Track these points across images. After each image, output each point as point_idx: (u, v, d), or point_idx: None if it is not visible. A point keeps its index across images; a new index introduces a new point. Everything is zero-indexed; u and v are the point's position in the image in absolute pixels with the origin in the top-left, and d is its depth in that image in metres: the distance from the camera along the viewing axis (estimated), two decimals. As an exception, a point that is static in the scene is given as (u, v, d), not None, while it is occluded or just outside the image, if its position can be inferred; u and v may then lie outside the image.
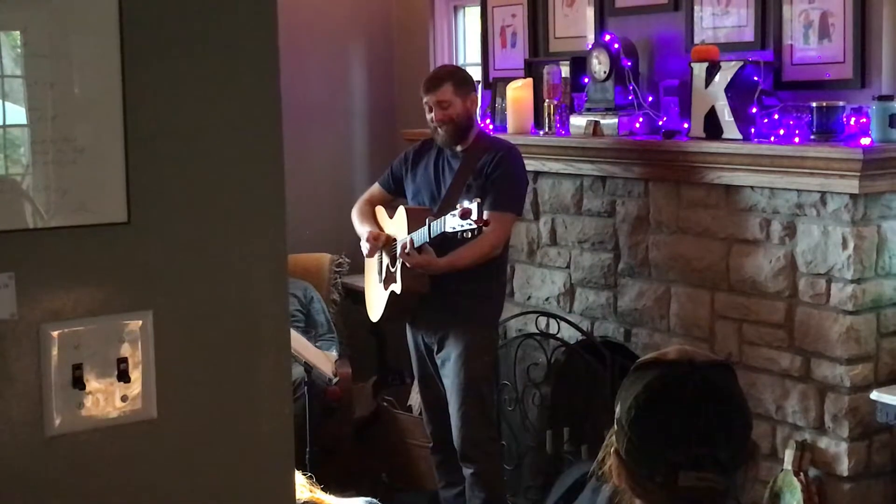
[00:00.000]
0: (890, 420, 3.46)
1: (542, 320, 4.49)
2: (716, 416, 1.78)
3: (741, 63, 3.76)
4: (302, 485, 1.93)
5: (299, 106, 5.47)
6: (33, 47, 1.30)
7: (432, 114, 4.15)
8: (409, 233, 4.06)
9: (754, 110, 3.73)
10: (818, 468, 3.62)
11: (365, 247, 4.32)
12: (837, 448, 3.58)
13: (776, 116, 3.70)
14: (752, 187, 3.75)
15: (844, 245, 3.49)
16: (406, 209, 4.20)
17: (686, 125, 3.97)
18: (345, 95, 6.00)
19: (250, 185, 1.43)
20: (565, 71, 4.50)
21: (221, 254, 1.42)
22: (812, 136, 3.55)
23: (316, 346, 4.91)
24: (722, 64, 3.80)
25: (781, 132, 3.66)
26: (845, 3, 3.65)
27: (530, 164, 4.39)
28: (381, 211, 4.42)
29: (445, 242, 3.96)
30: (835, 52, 3.71)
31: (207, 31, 1.39)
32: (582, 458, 4.22)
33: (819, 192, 3.53)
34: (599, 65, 4.26)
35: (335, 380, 4.82)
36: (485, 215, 3.77)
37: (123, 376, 1.35)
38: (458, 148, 4.17)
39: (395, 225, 4.24)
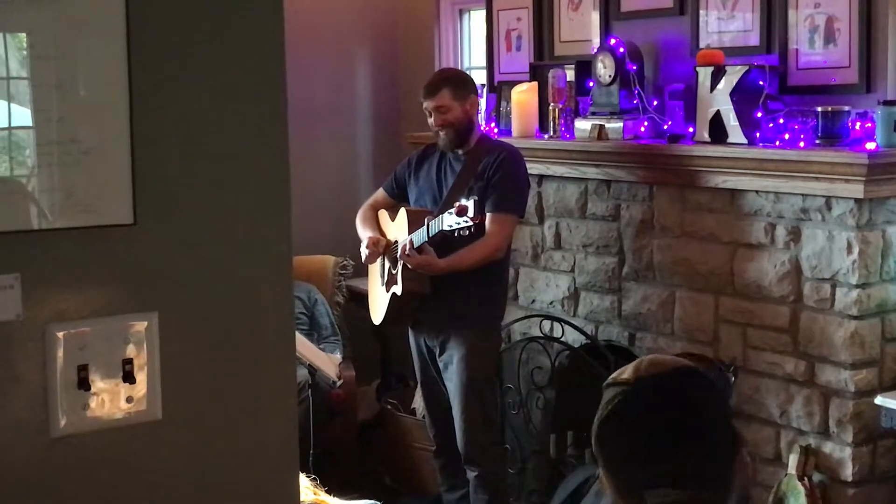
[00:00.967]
0: (894, 425, 3.46)
1: (547, 324, 4.49)
2: (674, 431, 1.72)
3: (746, 67, 3.75)
4: (306, 487, 1.93)
5: (304, 109, 5.47)
6: (40, 49, 1.30)
7: (432, 119, 4.16)
8: (409, 234, 4.06)
9: (759, 115, 3.72)
10: (822, 473, 3.61)
11: (364, 253, 4.33)
12: (841, 453, 3.57)
13: (781, 121, 3.70)
14: (756, 192, 3.74)
15: (849, 250, 3.48)
16: (406, 210, 4.21)
17: (691, 129, 3.97)
18: (350, 99, 6.00)
19: (256, 187, 1.43)
20: (570, 75, 4.50)
21: (227, 256, 1.42)
22: (817, 141, 3.55)
23: (320, 349, 4.91)
24: (727, 68, 3.80)
25: (786, 137, 3.66)
26: (851, 8, 3.65)
27: (535, 168, 4.39)
28: (383, 214, 4.43)
29: (448, 244, 3.96)
30: (840, 57, 3.71)
31: (214, 33, 1.39)
32: (585, 462, 4.21)
33: (824, 196, 3.53)
34: (604, 69, 4.26)
35: (339, 382, 4.82)
36: (487, 217, 3.77)
37: (129, 377, 1.35)
38: (460, 151, 4.18)
39: (397, 227, 4.25)
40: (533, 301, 4.76)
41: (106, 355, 1.34)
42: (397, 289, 4.14)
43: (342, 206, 5.20)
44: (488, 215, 4.01)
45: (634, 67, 4.19)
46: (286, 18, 1.44)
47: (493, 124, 4.88)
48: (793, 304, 3.68)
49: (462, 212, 3.71)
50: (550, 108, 4.52)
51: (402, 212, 4.22)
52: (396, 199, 4.46)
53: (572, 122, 4.44)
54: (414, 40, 5.96)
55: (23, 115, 1.30)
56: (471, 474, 4.22)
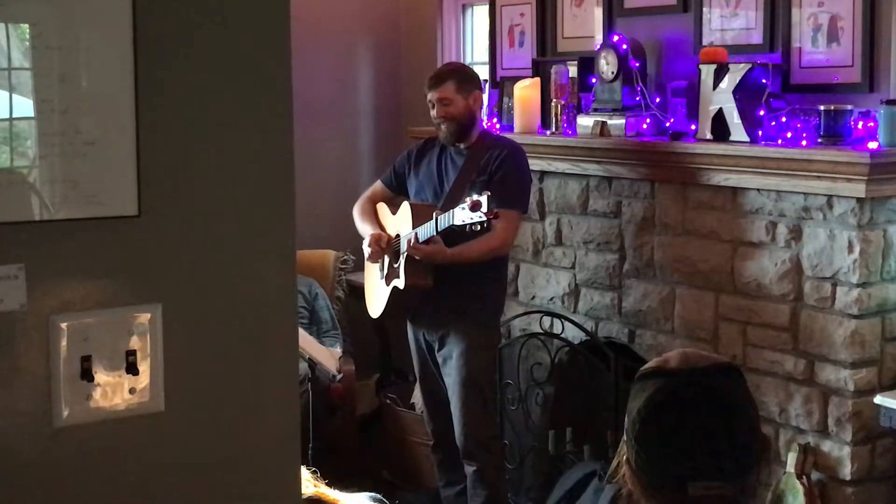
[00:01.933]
0: (893, 424, 3.46)
1: (547, 320, 4.49)
2: (718, 424, 1.78)
3: (749, 65, 3.75)
4: (307, 479, 1.94)
5: (307, 103, 5.47)
6: (44, 39, 1.30)
7: (434, 110, 4.16)
8: (413, 228, 4.06)
9: (762, 113, 3.73)
10: (821, 472, 3.62)
11: (367, 251, 4.32)
12: (840, 452, 3.58)
13: (784, 119, 3.70)
14: (758, 190, 3.74)
15: (850, 249, 3.49)
16: (410, 205, 4.20)
17: (693, 127, 3.97)
18: (352, 93, 6.00)
19: (260, 179, 1.43)
20: (573, 71, 4.50)
21: (231, 248, 1.42)
22: (819, 140, 3.55)
23: (320, 343, 4.92)
24: (730, 66, 3.80)
25: (789, 135, 3.66)
26: (854, 7, 3.65)
27: (536, 164, 4.39)
28: (382, 207, 4.42)
29: (453, 238, 3.96)
30: (843, 56, 3.71)
31: (221, 25, 1.39)
32: (584, 458, 4.22)
33: (826, 195, 3.53)
34: (607, 65, 4.26)
35: (338, 377, 4.83)
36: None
37: (132, 369, 1.35)
38: (462, 145, 4.18)
39: (399, 221, 4.24)
40: (533, 297, 4.76)
41: (109, 346, 1.34)
42: (399, 282, 4.13)
43: (343, 201, 5.19)
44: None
45: (637, 64, 4.19)
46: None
47: (495, 120, 4.88)
48: (793, 302, 3.69)
49: (476, 207, 3.71)
50: (553, 104, 4.52)
51: (406, 206, 4.21)
52: (394, 192, 4.46)
53: (574, 119, 4.44)
54: (417, 35, 5.96)
55: (25, 106, 1.30)
56: (469, 469, 4.22)
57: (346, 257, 5.55)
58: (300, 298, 5.16)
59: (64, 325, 1.32)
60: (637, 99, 4.20)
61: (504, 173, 4.07)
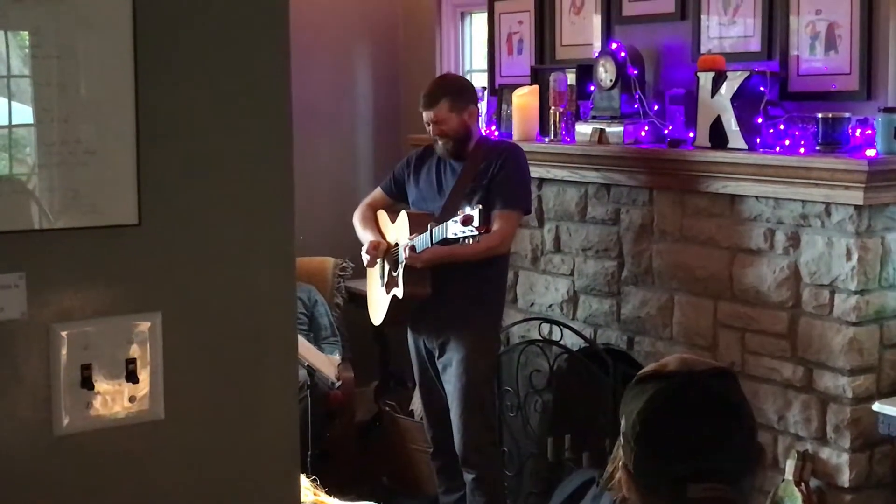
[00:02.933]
0: (892, 432, 3.46)
1: (545, 327, 4.49)
2: (718, 426, 1.79)
3: (747, 73, 3.76)
4: (306, 487, 1.94)
5: (305, 111, 5.48)
6: (44, 48, 1.30)
7: (430, 128, 4.16)
8: (410, 238, 4.06)
9: (760, 120, 3.73)
10: (819, 479, 3.62)
11: (366, 258, 4.33)
12: (839, 459, 3.58)
13: (782, 127, 3.71)
14: (756, 197, 3.75)
15: (848, 256, 3.49)
16: (408, 214, 4.21)
17: (691, 134, 3.98)
18: (351, 100, 6.01)
19: (260, 188, 1.44)
20: (571, 78, 4.50)
21: (230, 257, 1.43)
22: (817, 147, 3.56)
23: (319, 350, 4.92)
24: (728, 74, 3.81)
25: (787, 143, 3.67)
26: (852, 15, 3.65)
27: (535, 171, 4.40)
28: (382, 215, 4.43)
29: (448, 244, 3.96)
30: (841, 64, 3.72)
31: (221, 34, 1.40)
32: (583, 465, 4.22)
33: (824, 202, 3.53)
34: (606, 73, 4.27)
35: (337, 384, 4.83)
36: (493, 214, 3.77)
37: (132, 377, 1.35)
38: (459, 159, 4.19)
39: (397, 229, 4.25)
40: (532, 304, 4.77)
41: (109, 355, 1.35)
42: (398, 291, 4.14)
43: (342, 208, 5.20)
44: (495, 212, 4.02)
45: (635, 72, 4.20)
46: (289, 20, 1.45)
47: (493, 127, 4.88)
48: (791, 309, 3.69)
49: (467, 221, 3.70)
50: (551, 111, 4.52)
51: (403, 214, 4.22)
52: (394, 199, 4.47)
53: (573, 126, 4.44)
54: (415, 43, 5.97)
55: (25, 114, 1.30)
56: (468, 476, 4.22)
57: (345, 264, 5.55)
58: (299, 305, 5.16)
59: (64, 334, 1.32)
60: (635, 106, 4.21)
61: (504, 175, 4.08)
